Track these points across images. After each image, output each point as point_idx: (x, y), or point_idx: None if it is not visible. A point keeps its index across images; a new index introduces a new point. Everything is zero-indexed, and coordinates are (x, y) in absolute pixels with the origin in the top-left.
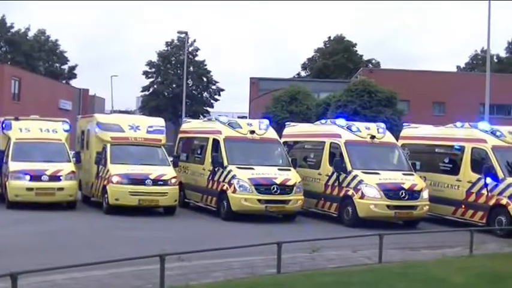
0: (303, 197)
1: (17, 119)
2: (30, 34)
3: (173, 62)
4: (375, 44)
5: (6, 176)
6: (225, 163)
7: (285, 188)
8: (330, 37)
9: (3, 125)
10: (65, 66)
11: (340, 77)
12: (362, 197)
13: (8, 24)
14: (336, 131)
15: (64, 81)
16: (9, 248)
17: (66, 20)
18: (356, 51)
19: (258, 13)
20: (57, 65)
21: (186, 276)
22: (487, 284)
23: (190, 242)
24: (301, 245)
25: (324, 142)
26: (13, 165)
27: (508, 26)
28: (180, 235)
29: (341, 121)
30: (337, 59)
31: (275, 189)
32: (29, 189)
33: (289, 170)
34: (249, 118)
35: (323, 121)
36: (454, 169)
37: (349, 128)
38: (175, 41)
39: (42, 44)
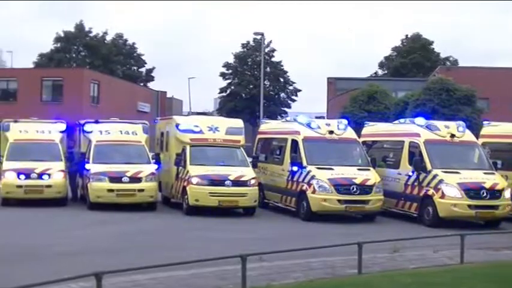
0: (382, 197)
1: (97, 122)
2: (108, 38)
3: (249, 63)
4: (452, 42)
5: (88, 177)
6: (304, 163)
7: (364, 188)
8: (407, 35)
9: (84, 128)
10: (143, 69)
11: (417, 75)
12: (442, 196)
13: (86, 29)
14: (415, 130)
15: (142, 84)
16: (92, 249)
17: (143, 24)
18: (433, 49)
19: (335, 12)
20: (135, 68)
21: (267, 276)
22: None
23: (270, 243)
24: (381, 245)
25: (403, 141)
26: (94, 167)
27: None
28: (260, 236)
29: (420, 120)
30: (414, 57)
31: (355, 189)
32: (110, 190)
33: (369, 170)
34: (327, 118)
35: (402, 120)
36: None
37: (428, 127)
38: (251, 43)
39: (120, 47)
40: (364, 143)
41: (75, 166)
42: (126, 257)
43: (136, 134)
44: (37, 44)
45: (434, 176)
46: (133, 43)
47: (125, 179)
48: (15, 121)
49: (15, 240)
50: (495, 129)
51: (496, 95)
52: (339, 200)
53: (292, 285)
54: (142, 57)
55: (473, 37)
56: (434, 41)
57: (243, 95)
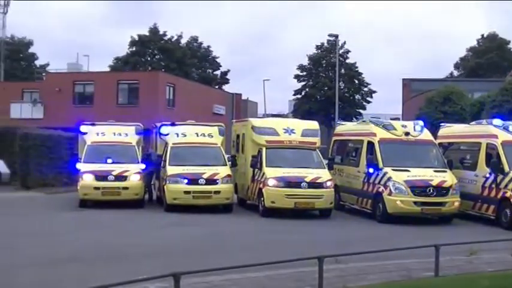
0: (459, 199)
1: (173, 124)
2: (183, 41)
3: (324, 65)
4: None
5: (164, 179)
6: (380, 165)
7: (441, 190)
8: (483, 35)
9: (160, 131)
10: (217, 72)
11: (494, 76)
12: None
13: (161, 33)
14: (492, 131)
15: (217, 87)
16: (168, 250)
17: (218, 26)
18: (510, 49)
19: (409, 13)
20: (210, 70)
21: (343, 278)
22: None
23: (346, 245)
24: (457, 247)
25: (480, 143)
26: (171, 169)
27: None
28: (336, 237)
29: (497, 121)
30: (490, 57)
31: (431, 191)
32: (187, 192)
33: (445, 171)
34: (402, 119)
35: (479, 121)
36: None
37: (506, 128)
38: (326, 44)
39: (195, 50)
40: (440, 144)
41: (152, 168)
42: (202, 258)
43: (212, 137)
44: (113, 48)
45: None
46: (208, 46)
47: (201, 181)
48: (93, 124)
49: (93, 241)
50: None
51: None
52: (415, 202)
53: None
54: (217, 60)
55: None
56: (511, 41)
57: (318, 97)
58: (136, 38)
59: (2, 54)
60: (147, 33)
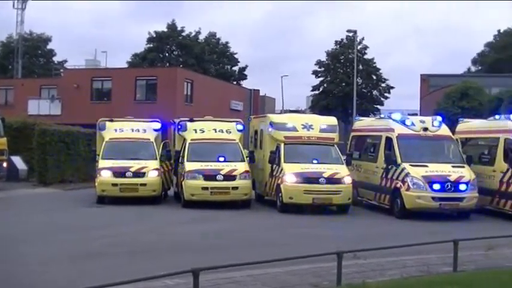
0: (477, 195)
1: (191, 120)
2: (201, 37)
3: (342, 60)
4: None
5: (182, 175)
6: (399, 161)
7: (459, 186)
8: (499, 30)
9: (179, 126)
10: (236, 68)
11: None
12: None
13: (179, 28)
14: (510, 126)
15: (235, 82)
16: (188, 246)
17: (236, 22)
18: None
19: (425, 8)
20: (228, 66)
21: (362, 273)
22: None
23: (364, 240)
24: (475, 243)
25: (498, 138)
26: (189, 165)
27: None
28: (354, 233)
29: None
30: (509, 53)
31: (449, 186)
32: (204, 188)
33: (463, 167)
34: (420, 115)
35: (497, 117)
36: None
37: None
38: (344, 40)
39: (213, 46)
40: (458, 140)
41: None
42: (221, 254)
43: (230, 133)
44: (131, 44)
45: None
46: (227, 42)
47: (219, 177)
48: (111, 120)
49: (114, 237)
50: None
51: None
52: (433, 198)
53: (387, 283)
54: (235, 56)
55: None
56: None
57: (336, 92)
58: (154, 34)
59: (20, 50)
60: (165, 29)
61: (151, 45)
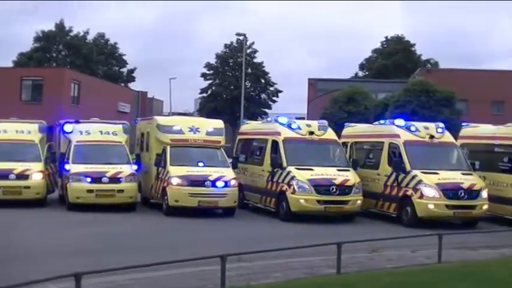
0: (362, 198)
1: (77, 122)
2: (89, 37)
3: (231, 64)
4: (436, 44)
5: (67, 178)
6: (284, 164)
7: (344, 189)
8: (387, 37)
9: (65, 128)
10: (124, 69)
11: (399, 77)
12: (421, 197)
13: (67, 28)
14: (394, 131)
15: (123, 84)
16: (71, 249)
17: (125, 24)
18: (415, 51)
19: (315, 13)
20: (116, 68)
21: (247, 276)
22: None
23: (250, 243)
24: (360, 245)
25: (383, 142)
26: (74, 168)
27: None
28: (239, 236)
29: (400, 121)
30: (396, 59)
31: (334, 189)
32: (90, 191)
33: (348, 170)
34: (307, 119)
35: (382, 121)
36: None
37: (408, 128)
38: (234, 43)
39: (102, 47)
40: (344, 144)
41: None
42: (105, 257)
43: (116, 135)
44: (17, 43)
45: (414, 177)
46: (115, 43)
47: (104, 179)
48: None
49: None
50: (474, 131)
51: (475, 96)
52: (318, 201)
53: (271, 285)
54: (124, 57)
55: (457, 40)
56: (415, 43)
57: (224, 95)
58: (41, 33)
59: None
60: (53, 29)
61: (38, 45)
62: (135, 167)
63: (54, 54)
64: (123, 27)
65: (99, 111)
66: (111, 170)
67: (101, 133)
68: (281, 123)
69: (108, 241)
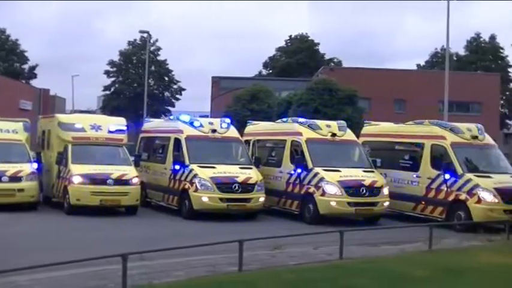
0: (264, 195)
1: None
2: None
3: (135, 61)
4: (342, 44)
5: None
6: (187, 162)
7: (246, 187)
8: (291, 36)
9: None
10: (25, 66)
11: (302, 76)
12: (323, 194)
13: None
14: (296, 128)
15: (24, 81)
16: None
17: (27, 20)
18: (318, 50)
19: (219, 12)
20: (17, 64)
21: (149, 275)
22: (446, 277)
23: (152, 242)
24: (263, 242)
25: (285, 140)
26: None
27: (467, 24)
28: (142, 235)
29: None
30: (300, 57)
31: (237, 187)
32: None
33: (251, 168)
34: (211, 117)
35: (284, 119)
36: (414, 166)
37: (310, 126)
38: (138, 41)
39: (2, 43)
40: (247, 141)
41: None
42: (5, 258)
43: (16, 133)
44: None
45: (315, 174)
46: (17, 39)
47: (4, 178)
48: None
49: None
50: (375, 129)
51: (378, 95)
52: (221, 199)
53: (173, 284)
54: (26, 54)
55: (361, 40)
56: (319, 43)
57: (127, 93)
58: None
59: None
60: None
61: None
62: (35, 165)
63: None
64: (25, 24)
65: (0, 108)
66: (11, 169)
67: (1, 131)
68: (183, 121)
69: (8, 242)
